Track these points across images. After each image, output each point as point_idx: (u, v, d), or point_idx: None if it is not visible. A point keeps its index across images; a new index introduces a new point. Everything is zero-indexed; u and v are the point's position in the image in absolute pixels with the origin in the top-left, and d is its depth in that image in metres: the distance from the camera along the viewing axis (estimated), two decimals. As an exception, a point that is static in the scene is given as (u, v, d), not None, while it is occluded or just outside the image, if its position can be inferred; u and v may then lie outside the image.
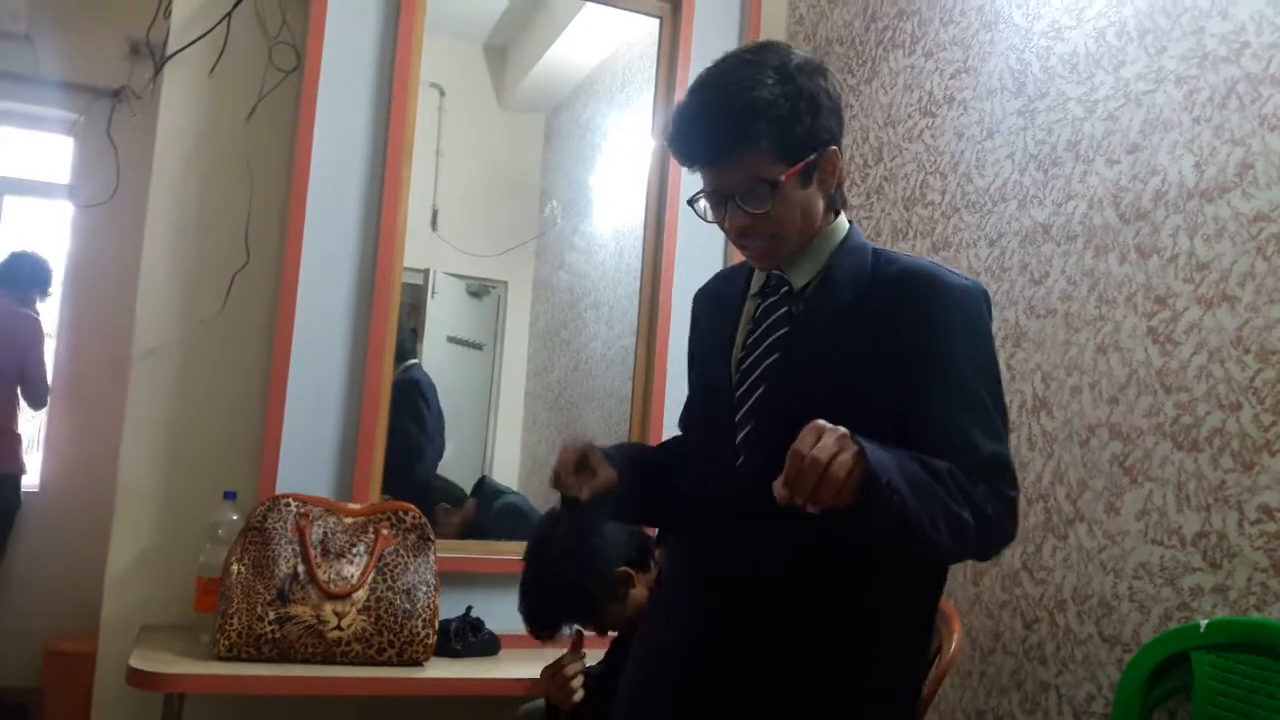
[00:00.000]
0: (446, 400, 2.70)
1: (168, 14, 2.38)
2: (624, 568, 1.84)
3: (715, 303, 1.53)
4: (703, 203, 1.38)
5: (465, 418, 2.85)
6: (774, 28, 2.86)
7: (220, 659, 1.98)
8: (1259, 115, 1.59)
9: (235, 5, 2.35)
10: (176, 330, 2.31)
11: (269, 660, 2.00)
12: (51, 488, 4.30)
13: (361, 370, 2.35)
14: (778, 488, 1.13)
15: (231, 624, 1.98)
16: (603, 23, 2.83)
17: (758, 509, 1.15)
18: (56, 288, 4.37)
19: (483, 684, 2.09)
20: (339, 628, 2.03)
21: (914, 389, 1.29)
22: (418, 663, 2.09)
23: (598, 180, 2.92)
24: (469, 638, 2.23)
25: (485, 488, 2.72)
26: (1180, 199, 1.70)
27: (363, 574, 2.08)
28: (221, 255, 2.33)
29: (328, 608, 2.03)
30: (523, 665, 2.18)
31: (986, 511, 1.24)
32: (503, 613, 2.33)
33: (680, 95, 1.79)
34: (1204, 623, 1.55)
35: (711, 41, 2.64)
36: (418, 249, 2.51)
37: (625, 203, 2.81)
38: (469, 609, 2.27)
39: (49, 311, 4.35)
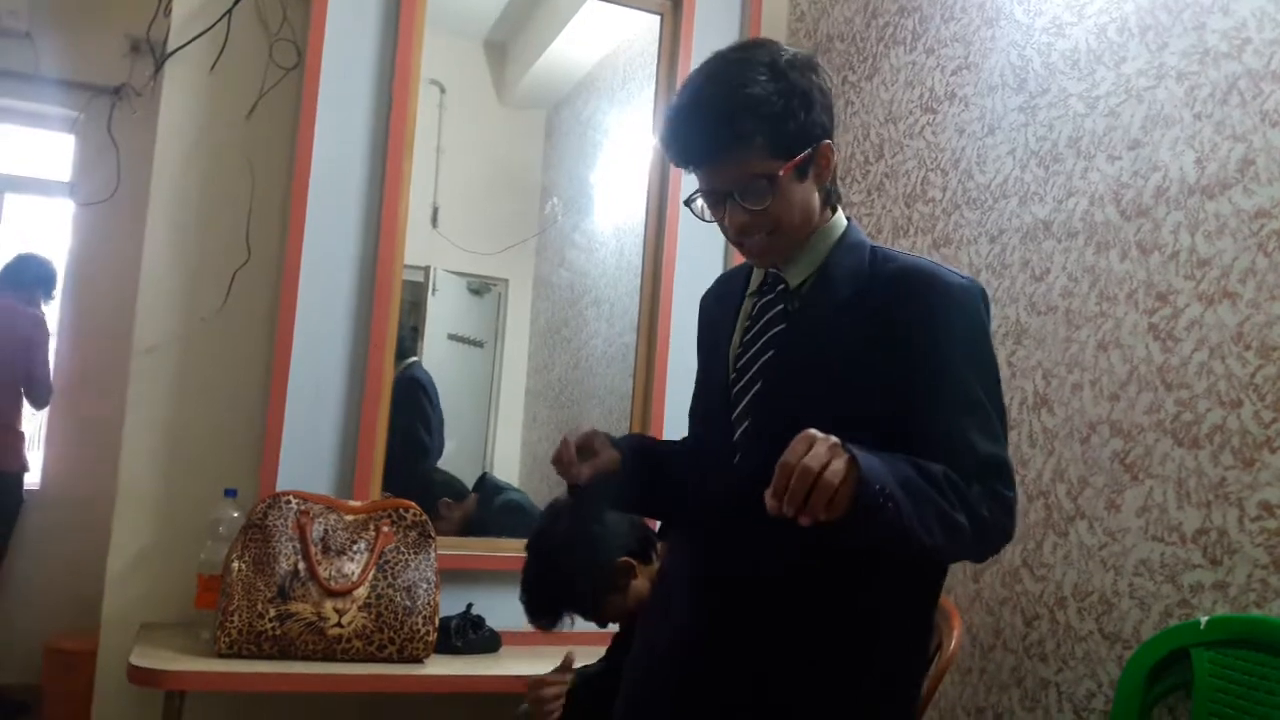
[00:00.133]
0: (447, 398, 2.70)
1: (168, 11, 2.38)
2: (625, 558, 1.83)
3: (718, 301, 1.54)
4: (700, 202, 1.38)
5: (466, 415, 2.85)
6: (775, 24, 2.86)
7: (221, 656, 1.98)
8: (1260, 111, 1.58)
9: (236, 2, 2.35)
10: (177, 327, 2.31)
11: (269, 657, 2.00)
12: (52, 485, 4.31)
13: (362, 367, 2.35)
14: (768, 498, 1.12)
15: (232, 621, 1.99)
16: (603, 19, 2.83)
17: (755, 507, 1.14)
18: (58, 287, 4.37)
19: (483, 681, 2.09)
20: (339, 625, 2.03)
21: (911, 388, 1.29)
22: (418, 660, 2.09)
23: (599, 177, 2.92)
24: (469, 635, 2.23)
25: (486, 484, 2.72)
26: (1181, 195, 1.70)
27: (363, 571, 2.08)
28: (222, 252, 2.33)
29: (328, 605, 2.03)
30: (523, 662, 2.18)
31: (983, 513, 1.23)
32: (503, 610, 2.34)
33: (681, 92, 1.79)
34: (1204, 619, 1.55)
35: (712, 38, 2.63)
36: (418, 246, 2.51)
37: (626, 200, 2.80)
38: (469, 606, 2.28)
39: (50, 309, 4.35)
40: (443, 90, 2.67)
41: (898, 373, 1.29)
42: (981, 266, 2.10)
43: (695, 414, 1.52)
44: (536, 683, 1.82)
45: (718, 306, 1.52)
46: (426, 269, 2.70)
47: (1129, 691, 1.62)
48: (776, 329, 1.37)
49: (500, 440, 2.89)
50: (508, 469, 2.87)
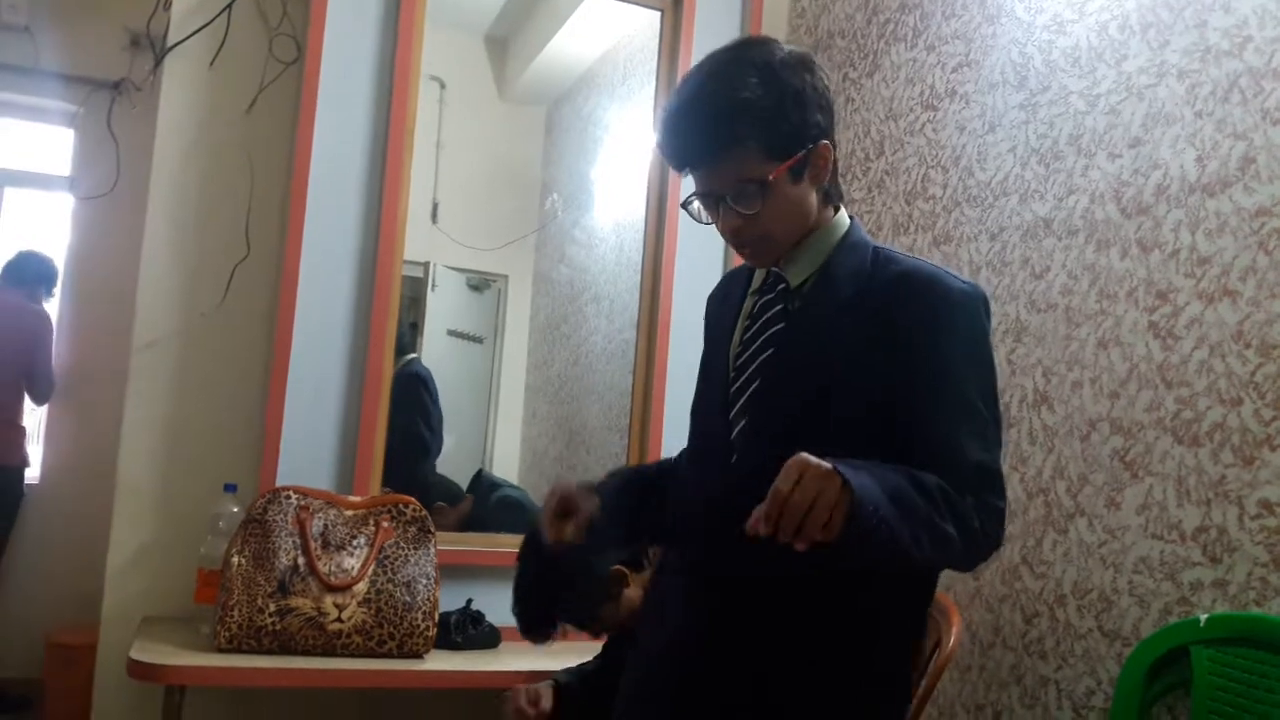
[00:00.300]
0: (447, 394, 2.70)
1: (168, 6, 2.38)
2: (618, 567, 1.83)
3: (722, 299, 1.54)
4: (696, 204, 1.38)
5: (465, 411, 2.85)
6: (775, 21, 2.85)
7: (221, 651, 1.98)
8: (1261, 109, 1.58)
9: (235, -3, 2.35)
10: (177, 322, 2.31)
11: (269, 652, 2.00)
12: (52, 480, 4.31)
13: (362, 363, 2.35)
14: (759, 525, 1.11)
15: (232, 616, 1.99)
16: (604, 15, 2.82)
17: (752, 506, 1.14)
18: (59, 284, 4.37)
19: (482, 676, 2.09)
20: (339, 620, 2.03)
21: (909, 392, 1.29)
22: (418, 655, 2.09)
23: (599, 173, 2.92)
24: (469, 630, 2.24)
25: (482, 481, 2.72)
26: (1182, 193, 1.70)
27: (363, 566, 2.08)
28: (222, 247, 2.33)
29: (328, 600, 2.04)
30: (523, 658, 2.19)
31: (974, 525, 1.23)
32: (503, 605, 2.31)
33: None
34: (1204, 617, 1.55)
35: (713, 34, 2.63)
36: (418, 242, 2.50)
37: (626, 196, 2.80)
38: (469, 601, 2.28)
39: (50, 304, 4.35)
40: (443, 86, 2.67)
41: (896, 375, 1.29)
42: (982, 264, 2.10)
43: (695, 411, 1.53)
44: (513, 698, 1.81)
45: (721, 304, 1.53)
46: (426, 265, 2.70)
47: (1128, 689, 1.62)
48: (776, 328, 1.37)
49: (500, 436, 2.89)
50: (507, 465, 2.87)
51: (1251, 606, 1.52)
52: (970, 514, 1.23)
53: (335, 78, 2.35)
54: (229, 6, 2.34)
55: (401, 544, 2.14)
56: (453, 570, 2.30)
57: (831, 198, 1.40)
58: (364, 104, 2.39)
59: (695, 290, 2.53)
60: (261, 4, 2.38)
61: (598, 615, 1.82)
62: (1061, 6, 1.99)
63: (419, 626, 2.09)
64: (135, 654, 1.90)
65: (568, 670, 1.86)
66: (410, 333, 2.61)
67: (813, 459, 1.12)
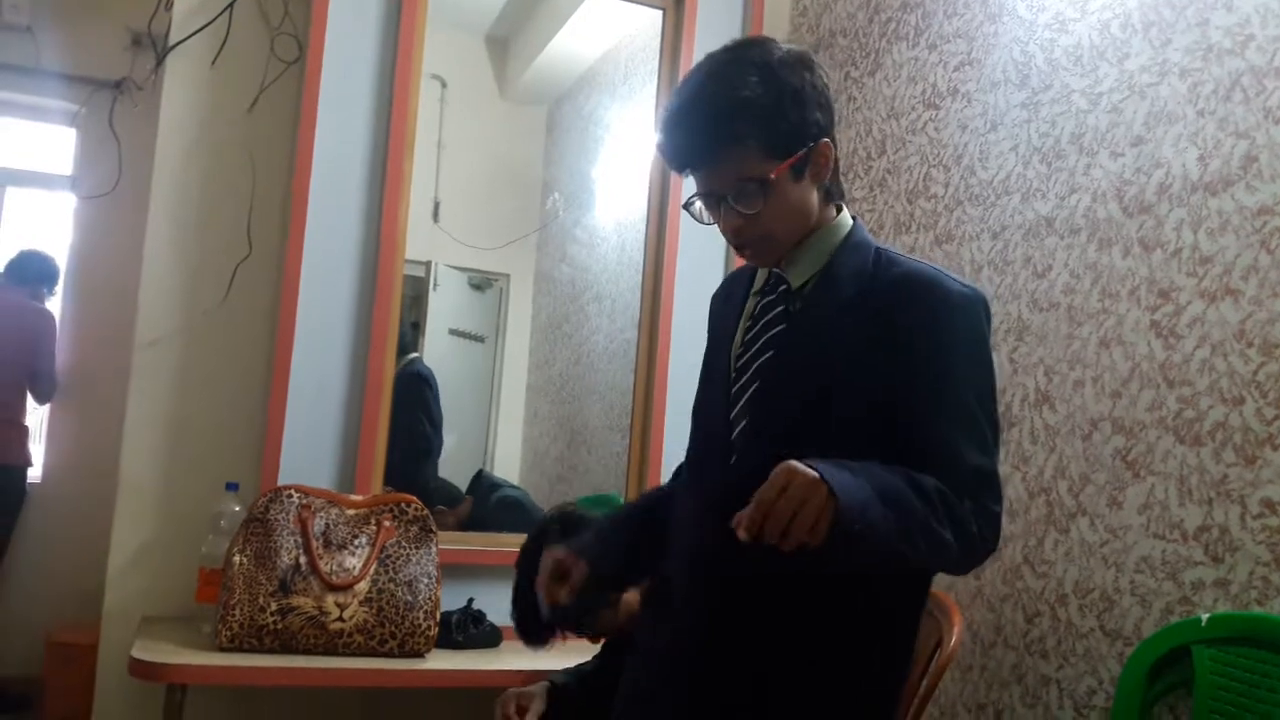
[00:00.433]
0: (448, 393, 2.70)
1: (169, 5, 2.38)
2: None
3: (725, 299, 1.54)
4: (698, 205, 1.38)
5: (467, 411, 2.85)
6: (777, 19, 2.85)
7: (222, 650, 1.98)
8: (1263, 108, 1.58)
9: (237, -4, 2.35)
10: (178, 321, 2.31)
11: (271, 651, 2.00)
12: (54, 479, 4.31)
13: (363, 362, 2.35)
14: (741, 529, 1.12)
15: (233, 615, 1.99)
16: (605, 14, 2.82)
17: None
18: (60, 282, 4.38)
19: (484, 675, 2.09)
20: (341, 619, 2.03)
21: (908, 395, 1.28)
22: (419, 654, 2.09)
23: (600, 173, 2.92)
24: (470, 629, 2.24)
25: (482, 481, 2.72)
26: (1184, 192, 1.70)
27: (364, 565, 2.08)
28: (223, 246, 2.33)
29: (329, 599, 2.04)
30: (523, 657, 2.18)
31: (971, 530, 1.23)
32: (504, 605, 2.32)
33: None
34: (1205, 617, 1.55)
35: (714, 33, 2.63)
36: (419, 241, 2.51)
37: (627, 195, 2.80)
38: (470, 601, 2.28)
39: (52, 303, 4.35)
40: (444, 85, 2.67)
41: (895, 377, 1.29)
42: (983, 263, 2.10)
43: (697, 411, 1.53)
44: (503, 704, 1.81)
45: (724, 304, 1.53)
46: (428, 264, 2.70)
47: (1130, 688, 1.62)
48: (776, 329, 1.37)
49: (501, 436, 2.89)
50: (508, 465, 2.87)
51: (1253, 606, 1.52)
52: (968, 518, 1.23)
53: (336, 77, 2.36)
54: (230, 6, 2.34)
55: (403, 543, 2.14)
56: (454, 569, 2.30)
57: (833, 196, 1.40)
58: (365, 103, 2.39)
59: (697, 290, 2.54)
60: (263, 4, 2.38)
61: (595, 621, 1.82)
62: (1063, 5, 1.99)
63: (420, 626, 2.09)
64: (136, 653, 1.90)
65: (565, 671, 1.85)
66: (412, 332, 2.61)
67: (800, 467, 1.12)
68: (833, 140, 1.35)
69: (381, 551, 2.11)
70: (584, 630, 1.83)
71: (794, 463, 1.12)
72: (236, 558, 2.03)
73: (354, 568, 2.08)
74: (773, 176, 1.30)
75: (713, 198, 1.35)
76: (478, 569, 2.39)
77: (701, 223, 1.40)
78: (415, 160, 2.42)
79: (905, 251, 1.51)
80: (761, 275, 1.45)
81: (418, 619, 2.09)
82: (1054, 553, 1.86)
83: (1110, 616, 1.74)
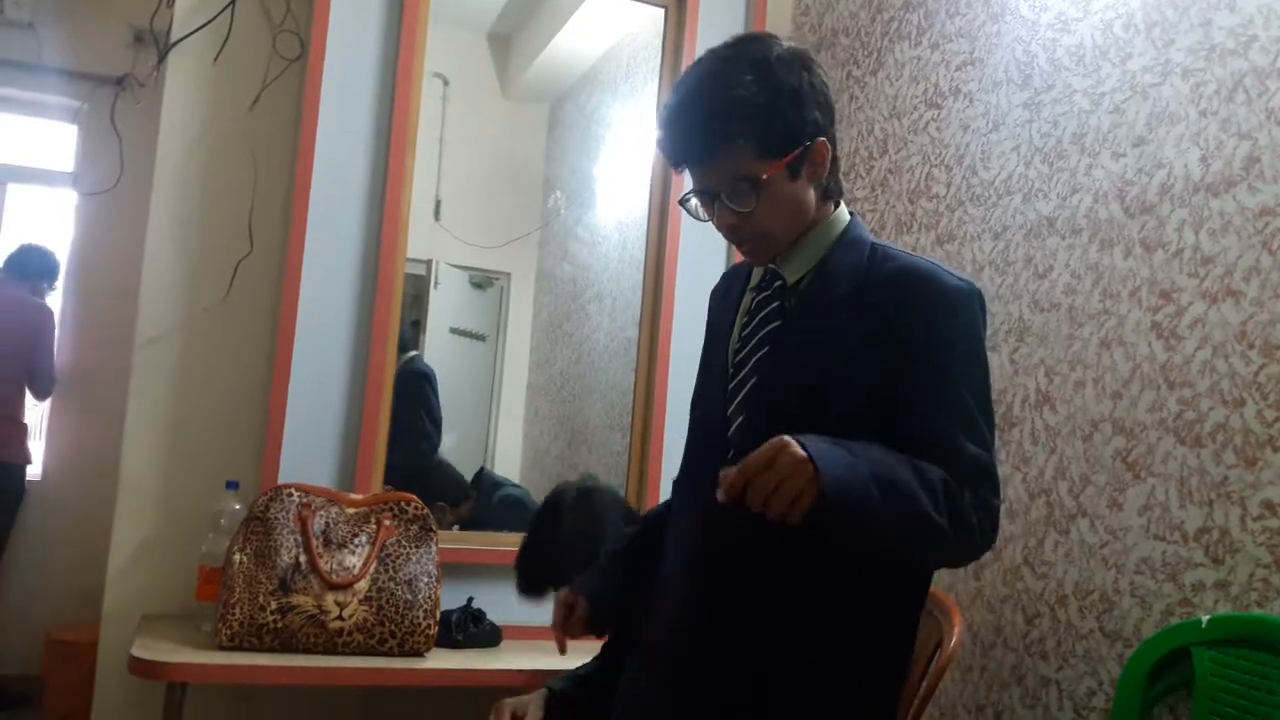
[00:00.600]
0: (448, 392, 2.70)
1: (171, 2, 2.38)
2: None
3: (723, 296, 1.55)
4: (694, 201, 1.39)
5: (468, 409, 2.85)
6: (779, 18, 2.85)
7: (222, 648, 1.98)
8: (1266, 109, 1.58)
9: (239, -7, 2.35)
10: (179, 319, 2.31)
11: (270, 650, 2.00)
12: (53, 476, 4.31)
13: (364, 360, 2.35)
14: (720, 493, 1.14)
15: (233, 613, 1.99)
16: (607, 12, 2.82)
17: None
18: (60, 278, 4.37)
19: (484, 675, 2.09)
20: (340, 618, 2.03)
21: (904, 388, 1.29)
22: (419, 653, 2.09)
23: (602, 171, 2.92)
24: (470, 628, 2.24)
25: (484, 480, 2.72)
26: (1186, 193, 1.70)
27: (364, 564, 2.08)
28: (225, 244, 2.33)
29: (329, 598, 2.04)
30: (524, 656, 2.19)
31: (971, 521, 1.23)
32: (504, 604, 2.33)
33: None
34: (1205, 618, 1.55)
35: (717, 32, 2.61)
36: (421, 239, 2.50)
37: (629, 194, 2.80)
38: (470, 600, 2.28)
39: (52, 300, 4.35)
40: (446, 83, 2.66)
41: (892, 372, 1.29)
42: (985, 263, 2.10)
43: (695, 407, 1.53)
44: (497, 711, 1.81)
45: (722, 300, 1.53)
46: (429, 262, 2.69)
47: (1130, 690, 1.62)
48: (772, 325, 1.38)
49: (502, 434, 2.89)
50: (509, 464, 2.87)
51: (1253, 608, 1.52)
52: (968, 510, 1.23)
53: (338, 75, 2.35)
54: (232, 3, 2.34)
55: (403, 542, 2.14)
56: (454, 568, 2.30)
57: (831, 194, 1.40)
58: (367, 101, 2.39)
59: (698, 288, 2.53)
60: (265, 1, 2.38)
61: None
62: (1066, 5, 1.99)
63: (420, 625, 2.09)
64: (136, 651, 1.90)
65: (562, 677, 1.85)
66: (412, 330, 2.61)
67: (791, 445, 1.13)
68: (831, 139, 1.35)
69: (381, 550, 2.11)
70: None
71: (787, 438, 1.13)
72: (236, 556, 2.03)
73: (354, 566, 2.08)
74: (765, 176, 1.30)
75: (707, 195, 1.36)
76: (478, 568, 2.39)
77: (698, 219, 1.41)
78: (416, 158, 2.42)
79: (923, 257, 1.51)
80: (758, 271, 1.45)
81: (417, 618, 2.09)
82: (1054, 554, 1.86)
83: (1110, 618, 1.74)
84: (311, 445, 2.31)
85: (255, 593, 2.01)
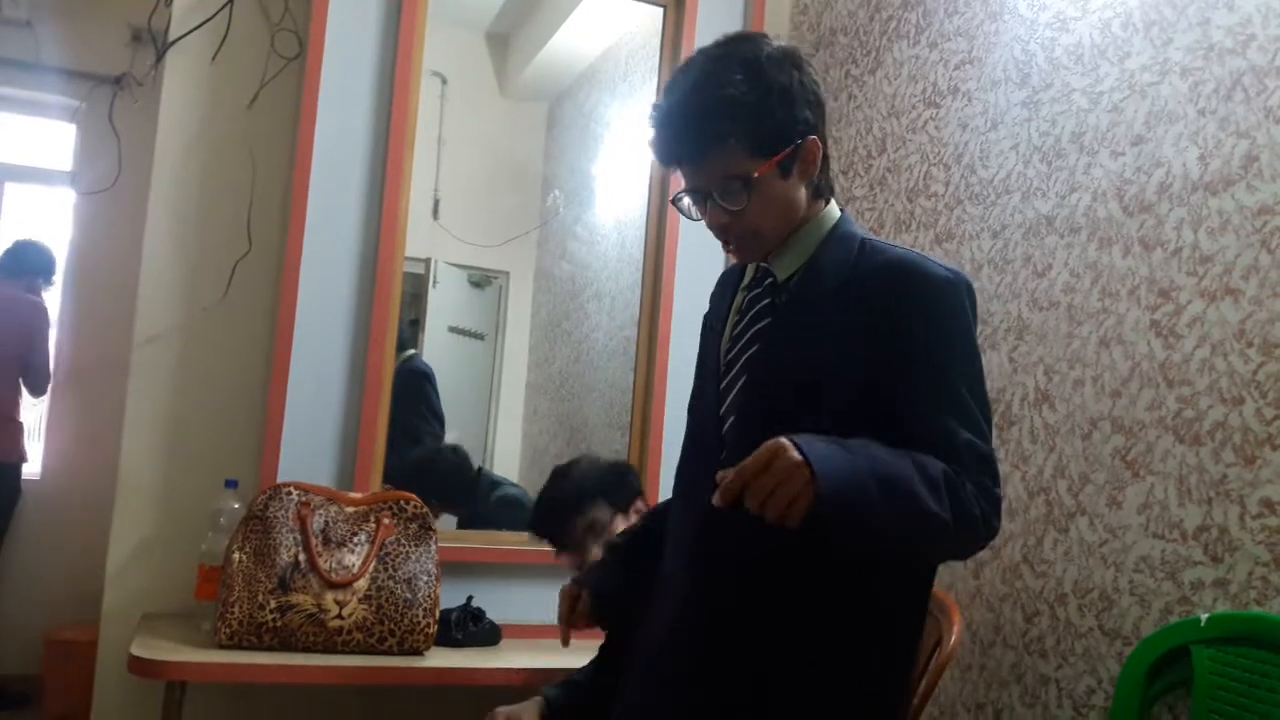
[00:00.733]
0: (447, 391, 2.70)
1: (169, 1, 2.37)
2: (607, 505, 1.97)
3: (719, 296, 1.55)
4: (685, 200, 1.39)
5: (467, 408, 2.85)
6: (778, 17, 2.85)
7: (221, 647, 1.98)
8: (1264, 108, 1.58)
9: (237, -8, 2.34)
10: (178, 318, 2.31)
11: (270, 649, 2.00)
12: (52, 476, 4.31)
13: (363, 359, 2.35)
14: (715, 498, 1.14)
15: (233, 612, 1.99)
16: (606, 11, 2.82)
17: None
18: (58, 275, 4.37)
19: (483, 673, 2.10)
20: (340, 616, 2.03)
21: (895, 381, 1.29)
22: (418, 652, 2.09)
23: (600, 170, 2.92)
24: (470, 627, 2.24)
25: (482, 479, 2.72)
26: (1184, 191, 1.70)
27: (364, 563, 2.08)
28: (223, 243, 2.33)
29: (329, 596, 2.04)
30: (523, 655, 2.19)
31: (974, 512, 1.23)
32: (504, 602, 2.34)
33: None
34: (1204, 617, 1.55)
35: (715, 30, 2.56)
36: (419, 238, 2.50)
37: (628, 192, 2.80)
38: (470, 599, 2.28)
39: (50, 299, 4.35)
40: (444, 82, 2.66)
41: (882, 365, 1.29)
42: (984, 262, 2.10)
43: (691, 408, 1.53)
44: (494, 716, 1.81)
45: (719, 300, 1.54)
46: (427, 261, 2.69)
47: (1129, 688, 1.62)
48: (763, 323, 1.38)
49: (501, 433, 2.89)
50: (508, 463, 2.87)
51: (1252, 606, 1.52)
52: (971, 501, 1.23)
53: (337, 73, 2.35)
54: (230, 2, 2.34)
55: (402, 541, 2.14)
56: (453, 567, 2.30)
57: (822, 192, 1.41)
58: (365, 100, 2.39)
59: (697, 287, 2.53)
60: (263, 0, 2.38)
61: (573, 536, 1.98)
62: (1064, 4, 1.99)
63: (420, 623, 2.09)
64: (136, 650, 1.90)
65: (556, 684, 1.85)
66: (411, 329, 2.61)
67: (788, 448, 1.12)
68: (821, 137, 1.36)
69: (381, 549, 2.11)
70: (567, 550, 2.00)
71: (784, 441, 1.13)
72: (236, 555, 2.03)
73: (353, 565, 2.08)
74: (757, 175, 1.31)
75: (699, 194, 1.36)
76: (477, 567, 2.39)
77: (689, 218, 1.41)
78: (415, 157, 2.42)
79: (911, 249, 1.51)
80: (750, 270, 1.46)
81: (417, 616, 2.09)
82: (1053, 552, 1.86)
83: (1109, 616, 1.74)
84: (310, 444, 2.31)
85: (254, 591, 2.00)
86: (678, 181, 2.61)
